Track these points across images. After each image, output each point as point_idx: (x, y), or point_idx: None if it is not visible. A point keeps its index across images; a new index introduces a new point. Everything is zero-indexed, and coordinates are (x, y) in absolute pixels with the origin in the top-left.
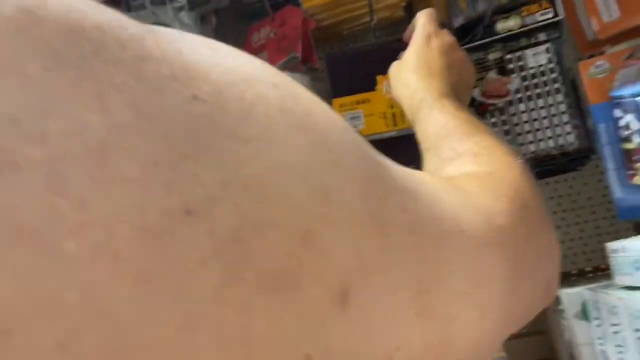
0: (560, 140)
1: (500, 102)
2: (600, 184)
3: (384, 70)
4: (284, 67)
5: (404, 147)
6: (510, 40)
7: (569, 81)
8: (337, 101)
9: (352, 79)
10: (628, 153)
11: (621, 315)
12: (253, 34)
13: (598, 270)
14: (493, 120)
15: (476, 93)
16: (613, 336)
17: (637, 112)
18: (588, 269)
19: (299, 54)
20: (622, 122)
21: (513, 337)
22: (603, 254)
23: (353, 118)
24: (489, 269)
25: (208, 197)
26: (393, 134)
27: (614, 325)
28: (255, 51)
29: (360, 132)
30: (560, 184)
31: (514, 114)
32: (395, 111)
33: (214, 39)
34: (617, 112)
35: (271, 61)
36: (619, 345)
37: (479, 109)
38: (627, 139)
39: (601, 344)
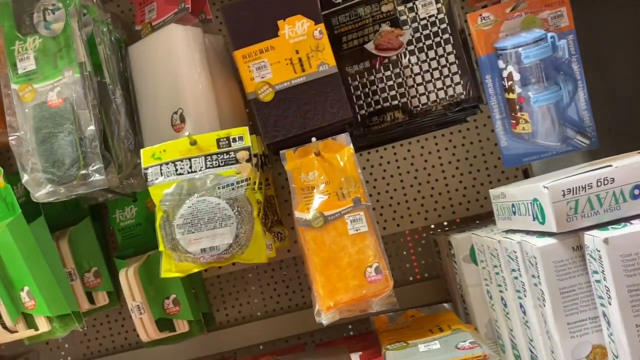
0: (450, 91)
1: (393, 55)
2: (492, 134)
3: (285, 14)
4: (174, 19)
5: (314, 92)
6: None
7: (458, 32)
8: (239, 53)
9: (253, 27)
10: (511, 103)
11: (500, 257)
12: None
13: (491, 216)
14: (387, 73)
15: (370, 46)
16: (495, 277)
17: (518, 63)
18: (481, 214)
19: (188, 5)
20: (505, 73)
21: (411, 282)
22: None
23: (259, 68)
24: None
25: None
26: (303, 79)
27: (495, 266)
28: (144, 3)
29: (269, 82)
30: (455, 135)
31: (406, 67)
32: (302, 56)
33: None
34: (501, 63)
35: (160, 13)
36: (500, 285)
37: (372, 62)
38: (510, 89)
39: (486, 284)
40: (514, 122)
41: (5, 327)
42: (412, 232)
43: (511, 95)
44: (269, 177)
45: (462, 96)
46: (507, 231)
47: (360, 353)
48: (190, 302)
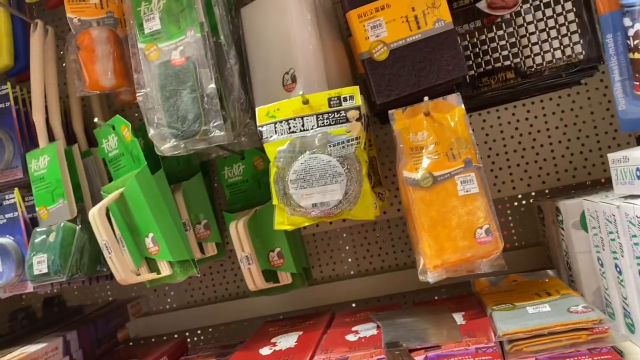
0: (568, 51)
1: (507, 14)
2: (605, 98)
3: None
4: None
5: (430, 50)
6: None
7: None
8: (355, 12)
9: None
10: (636, 63)
11: (618, 222)
12: None
13: (597, 184)
14: (499, 33)
15: (482, 4)
16: (610, 243)
17: None
18: (588, 182)
19: None
20: (631, 32)
21: (509, 249)
22: (603, 168)
23: (374, 27)
24: None
25: None
26: (418, 36)
27: (611, 233)
28: None
29: (384, 41)
30: (564, 98)
31: (521, 26)
32: (418, 13)
33: None
34: (627, 21)
35: None
36: (614, 252)
37: (485, 22)
38: (636, 49)
39: (597, 252)
40: (638, 83)
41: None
42: (512, 198)
43: (637, 55)
44: (371, 137)
45: (581, 56)
46: (627, 197)
47: (463, 313)
48: (294, 255)
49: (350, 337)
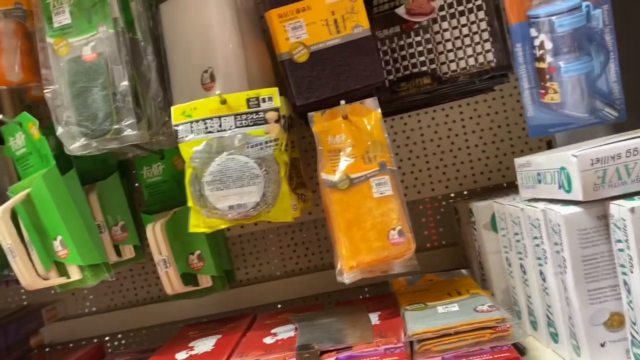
0: (480, 59)
1: (424, 20)
2: (518, 104)
3: None
4: None
5: (348, 54)
6: None
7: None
8: (275, 11)
9: None
10: (541, 72)
11: (522, 225)
12: None
13: (512, 186)
14: (417, 39)
15: (401, 10)
16: (516, 244)
17: (551, 32)
18: (504, 184)
19: None
20: (536, 42)
21: (429, 249)
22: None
23: (295, 28)
24: None
25: None
26: (337, 41)
27: (516, 234)
28: None
29: (304, 43)
30: (480, 104)
31: (437, 32)
32: (337, 17)
33: None
34: (533, 32)
35: None
36: (520, 252)
37: (403, 28)
38: (541, 58)
39: (506, 252)
40: (543, 91)
41: (38, 275)
42: (432, 199)
43: (542, 65)
44: (294, 139)
45: (493, 64)
46: (530, 200)
47: (379, 313)
48: (214, 258)
49: (268, 340)
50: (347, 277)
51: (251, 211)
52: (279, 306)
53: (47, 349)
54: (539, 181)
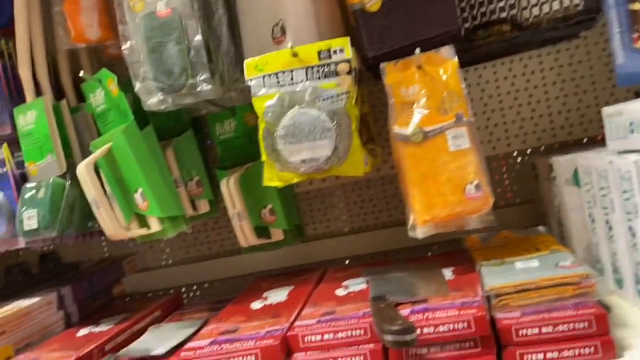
0: (566, 2)
1: None
2: (604, 53)
3: None
4: None
5: (423, 1)
6: None
7: None
8: None
9: None
10: (635, 14)
11: (610, 178)
12: None
13: (593, 141)
14: None
15: None
16: (601, 199)
17: None
18: (584, 139)
19: None
20: None
21: (503, 207)
22: (600, 124)
23: None
24: None
25: None
26: None
27: (602, 189)
28: None
29: None
30: (562, 53)
31: None
32: None
33: None
34: None
35: None
36: (605, 207)
37: None
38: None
39: (589, 207)
40: (636, 35)
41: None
42: (507, 155)
43: (637, 6)
44: (364, 93)
45: (579, 7)
46: (620, 152)
47: (453, 268)
48: (285, 212)
49: (340, 292)
50: (420, 232)
51: (323, 165)
52: (347, 262)
53: (128, 298)
54: (632, 131)
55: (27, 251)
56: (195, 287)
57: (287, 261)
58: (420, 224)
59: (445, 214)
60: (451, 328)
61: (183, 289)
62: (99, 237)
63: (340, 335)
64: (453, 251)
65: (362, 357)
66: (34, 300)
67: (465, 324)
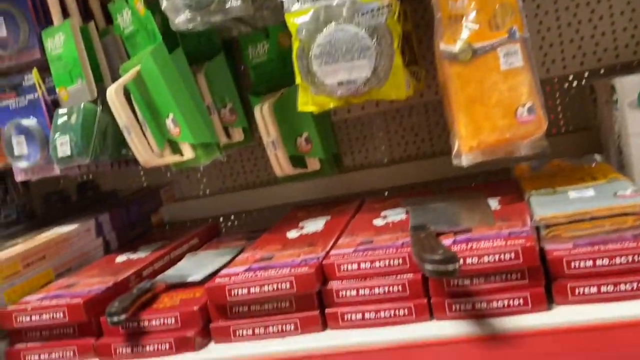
0: None
1: None
2: None
3: None
4: None
5: None
6: None
7: None
8: None
9: None
10: None
11: None
12: None
13: None
14: None
15: None
16: None
17: None
18: None
19: None
20: None
21: (555, 135)
22: None
23: None
24: None
25: None
26: None
27: None
28: None
29: None
30: None
31: None
32: None
33: None
34: None
35: None
36: None
37: None
38: None
39: None
40: None
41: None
42: (562, 79)
43: None
44: (407, 10)
45: None
46: None
47: (499, 198)
48: (322, 141)
49: (378, 222)
50: (465, 159)
51: (361, 87)
52: (386, 193)
53: (166, 227)
54: None
55: (66, 179)
56: (232, 217)
57: (323, 192)
58: (466, 151)
59: (493, 140)
60: (497, 259)
61: (220, 219)
62: (134, 165)
63: (377, 264)
64: (499, 181)
65: (400, 287)
66: (73, 227)
67: (513, 255)
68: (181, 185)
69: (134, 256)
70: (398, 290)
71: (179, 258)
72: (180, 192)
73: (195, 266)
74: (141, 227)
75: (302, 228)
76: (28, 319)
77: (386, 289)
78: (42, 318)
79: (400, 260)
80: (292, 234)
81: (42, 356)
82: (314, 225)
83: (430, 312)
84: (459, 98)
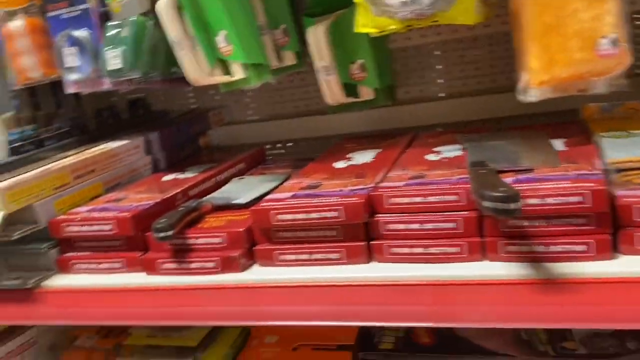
0: None
1: None
2: None
3: None
4: None
5: None
6: None
7: None
8: None
9: None
10: None
11: None
12: None
13: None
14: None
15: None
16: None
17: None
18: None
19: None
20: None
21: (636, 76)
22: None
23: None
24: None
25: None
26: None
27: None
28: None
29: None
30: None
31: None
32: None
33: None
34: None
35: None
36: None
37: None
38: None
39: None
40: None
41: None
42: None
43: None
44: None
45: None
46: None
47: (565, 139)
48: (378, 69)
49: (431, 157)
50: (533, 94)
51: (427, 9)
52: (440, 129)
53: (213, 150)
54: None
55: (117, 96)
56: (279, 145)
57: (373, 125)
58: (536, 85)
59: (568, 74)
60: (562, 201)
61: (268, 146)
62: (184, 84)
63: (430, 199)
64: (564, 122)
65: (454, 224)
66: (123, 142)
67: (581, 197)
68: (230, 109)
69: (181, 176)
70: (451, 227)
71: (224, 181)
72: (229, 116)
73: (241, 190)
74: (189, 149)
75: (350, 159)
76: (77, 229)
77: (438, 224)
78: (91, 229)
79: (456, 197)
80: (340, 164)
81: (90, 266)
82: (363, 157)
83: (482, 252)
84: (534, 26)
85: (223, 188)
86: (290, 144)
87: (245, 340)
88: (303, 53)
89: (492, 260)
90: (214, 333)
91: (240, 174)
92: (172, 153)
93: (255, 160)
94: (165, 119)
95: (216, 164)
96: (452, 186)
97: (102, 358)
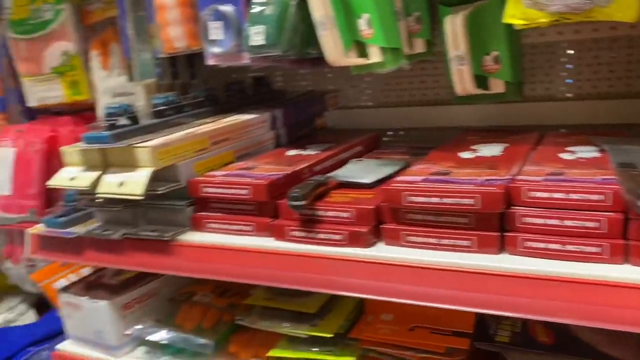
0: None
1: None
2: None
3: None
4: None
5: None
6: None
7: None
8: None
9: None
10: None
11: None
12: None
13: None
14: None
15: None
16: None
17: None
18: None
19: None
20: None
21: None
22: None
23: None
24: None
25: None
26: None
27: None
28: None
29: None
30: None
31: None
32: None
33: None
34: None
35: None
36: None
37: None
38: None
39: None
40: None
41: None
42: None
43: None
44: None
45: None
46: None
47: None
48: (511, 63)
49: (566, 156)
50: None
51: (585, 3)
52: (563, 130)
53: (328, 131)
54: None
55: (239, 73)
56: (391, 132)
57: (494, 120)
58: None
59: None
60: None
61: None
62: (315, 65)
63: (573, 196)
64: None
65: (597, 224)
66: (252, 116)
67: None
68: (345, 93)
69: (304, 152)
70: (593, 227)
71: (343, 162)
72: (344, 101)
73: (362, 171)
74: (307, 128)
75: (476, 150)
76: (214, 190)
77: (579, 222)
78: (227, 192)
79: (603, 197)
80: (466, 155)
81: (222, 226)
82: (491, 150)
83: (625, 255)
84: None
85: (343, 168)
86: (401, 133)
87: (359, 316)
88: (433, 41)
89: (634, 264)
90: (330, 304)
91: (358, 156)
92: (293, 131)
93: (371, 145)
94: (285, 98)
95: (334, 145)
96: (598, 185)
97: (217, 315)
